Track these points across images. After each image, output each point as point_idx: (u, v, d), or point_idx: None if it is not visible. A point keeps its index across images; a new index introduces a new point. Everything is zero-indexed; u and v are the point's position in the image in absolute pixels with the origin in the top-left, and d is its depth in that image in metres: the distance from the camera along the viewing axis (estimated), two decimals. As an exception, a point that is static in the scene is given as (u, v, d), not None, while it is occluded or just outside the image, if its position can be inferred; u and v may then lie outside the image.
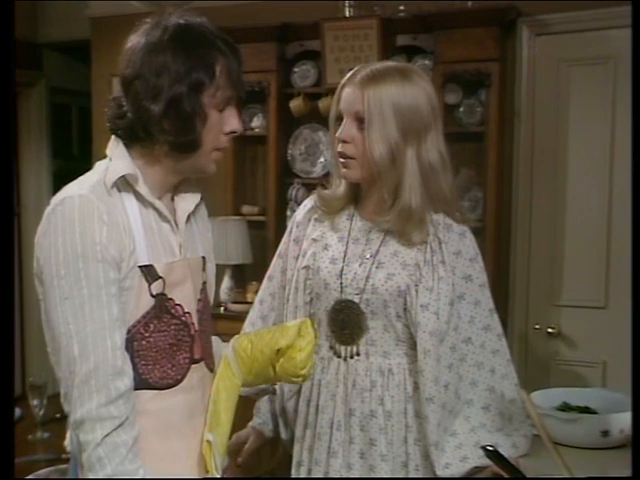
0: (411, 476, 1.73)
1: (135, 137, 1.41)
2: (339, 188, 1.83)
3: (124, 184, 1.40)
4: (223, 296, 4.15)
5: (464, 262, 1.76)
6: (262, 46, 4.02)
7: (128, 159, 1.42)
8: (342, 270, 1.76)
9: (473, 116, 3.80)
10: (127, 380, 1.34)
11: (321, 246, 1.81)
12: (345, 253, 1.78)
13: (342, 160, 1.74)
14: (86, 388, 1.31)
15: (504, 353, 1.79)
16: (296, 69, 4.19)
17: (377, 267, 1.74)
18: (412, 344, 1.73)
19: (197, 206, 1.55)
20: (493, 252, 3.69)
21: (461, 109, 3.83)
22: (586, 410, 2.05)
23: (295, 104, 4.12)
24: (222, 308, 4.09)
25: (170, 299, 1.42)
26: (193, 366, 1.47)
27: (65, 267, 1.31)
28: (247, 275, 4.27)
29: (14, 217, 5.24)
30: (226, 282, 4.18)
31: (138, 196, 1.41)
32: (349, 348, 1.76)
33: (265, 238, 4.23)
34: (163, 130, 1.38)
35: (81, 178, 1.42)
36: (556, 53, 3.65)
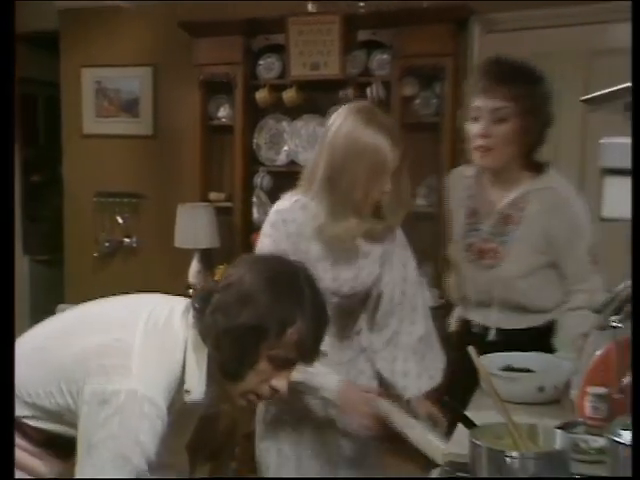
0: None
1: None
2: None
3: None
4: (192, 279, 4.33)
5: None
6: (229, 39, 4.17)
7: None
8: None
9: (428, 107, 4.01)
10: None
11: None
12: None
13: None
14: None
15: None
16: (261, 62, 4.33)
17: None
18: None
19: None
20: (445, 237, 3.90)
21: (417, 101, 4.03)
22: (526, 371, 2.28)
23: (260, 95, 4.28)
24: (191, 290, 4.25)
25: None
26: None
27: None
28: (215, 258, 4.43)
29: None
30: (194, 265, 4.35)
31: None
32: None
33: (232, 223, 4.40)
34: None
35: None
36: (503, 49, 3.80)
